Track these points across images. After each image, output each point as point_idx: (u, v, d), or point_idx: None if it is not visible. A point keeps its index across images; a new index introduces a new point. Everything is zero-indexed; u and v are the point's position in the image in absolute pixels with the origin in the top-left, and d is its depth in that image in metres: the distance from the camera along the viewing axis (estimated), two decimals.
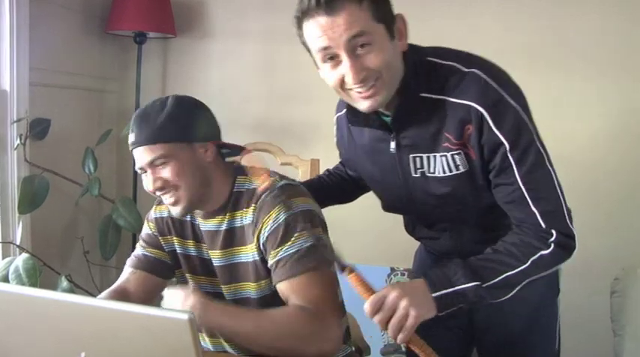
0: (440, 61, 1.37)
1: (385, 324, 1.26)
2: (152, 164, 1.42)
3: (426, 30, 2.70)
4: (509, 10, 2.68)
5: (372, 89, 1.30)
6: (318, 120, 2.86)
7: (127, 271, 1.59)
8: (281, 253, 1.40)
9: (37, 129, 2.60)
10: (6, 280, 2.28)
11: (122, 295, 1.52)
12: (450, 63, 1.36)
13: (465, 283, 1.28)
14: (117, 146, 3.13)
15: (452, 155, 1.37)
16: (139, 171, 1.47)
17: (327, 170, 1.86)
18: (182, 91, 3.01)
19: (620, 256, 2.39)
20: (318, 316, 1.33)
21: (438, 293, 1.28)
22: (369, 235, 2.73)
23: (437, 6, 2.75)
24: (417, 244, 1.79)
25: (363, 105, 1.33)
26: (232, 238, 1.48)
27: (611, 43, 2.56)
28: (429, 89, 1.36)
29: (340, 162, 1.82)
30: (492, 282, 1.30)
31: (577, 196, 2.50)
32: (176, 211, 1.47)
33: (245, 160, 1.58)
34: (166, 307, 1.33)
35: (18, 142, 2.52)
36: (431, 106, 1.35)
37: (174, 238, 1.58)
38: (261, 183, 1.47)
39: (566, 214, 1.34)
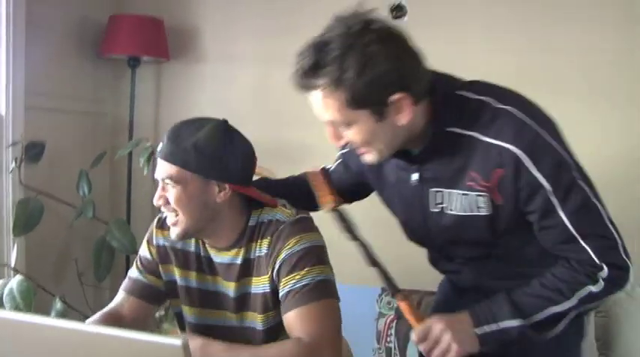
0: (471, 95, 1.33)
1: (429, 353, 1.31)
2: (163, 180, 1.42)
3: None
4: (496, 32, 2.72)
5: (362, 151, 1.33)
6: (311, 143, 2.90)
7: (121, 295, 1.58)
8: (290, 285, 1.40)
9: (32, 152, 2.64)
10: (0, 301, 2.30)
11: (115, 319, 1.52)
12: (482, 97, 1.32)
13: (508, 319, 1.29)
14: (111, 168, 3.16)
15: (476, 195, 1.32)
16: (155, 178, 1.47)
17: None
18: (175, 114, 3.09)
19: None
20: (314, 351, 1.34)
21: (481, 330, 1.30)
22: (359, 255, 2.75)
23: (423, 30, 2.79)
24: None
25: (363, 159, 1.36)
26: (248, 269, 1.48)
27: (600, 65, 2.59)
28: (458, 124, 1.31)
29: (329, 169, 1.74)
30: (537, 319, 1.30)
31: None
32: (173, 232, 1.46)
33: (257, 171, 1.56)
34: None
35: (13, 165, 2.56)
36: (458, 142, 1.31)
37: (175, 268, 1.55)
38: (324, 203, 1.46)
39: (619, 247, 1.30)
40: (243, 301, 1.50)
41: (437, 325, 1.30)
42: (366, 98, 1.23)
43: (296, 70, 1.26)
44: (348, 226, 1.35)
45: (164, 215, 1.52)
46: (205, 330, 1.54)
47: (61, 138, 2.86)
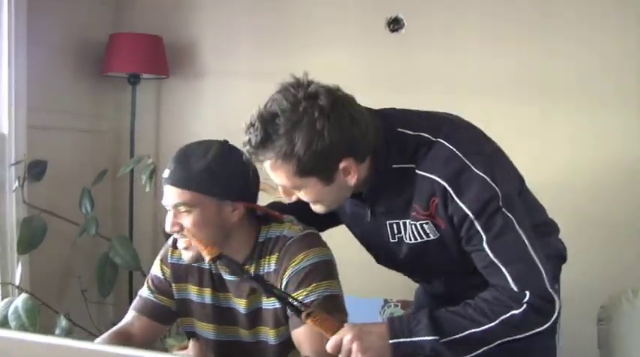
0: (410, 132, 1.40)
1: None
2: (176, 207, 1.43)
3: (409, 64, 2.82)
4: (493, 42, 2.73)
5: (312, 204, 1.42)
6: None
7: (132, 314, 1.59)
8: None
9: (35, 171, 2.66)
10: (5, 320, 2.31)
11: (125, 338, 1.54)
12: (419, 133, 1.39)
13: (423, 336, 1.29)
14: (112, 185, 3.17)
15: (420, 224, 1.39)
16: (164, 205, 1.47)
17: None
18: (176, 130, 3.13)
19: (608, 283, 2.43)
20: None
21: (394, 341, 1.30)
22: (362, 266, 2.76)
23: (421, 42, 2.82)
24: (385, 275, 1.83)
25: (313, 208, 1.43)
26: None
27: (603, 70, 2.60)
28: (400, 160, 1.39)
29: None
30: (453, 337, 1.29)
31: (567, 223, 2.58)
32: (187, 256, 1.48)
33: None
34: None
35: (16, 184, 2.57)
36: (402, 176, 1.38)
37: (191, 286, 1.57)
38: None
39: (544, 277, 1.32)
40: (255, 317, 1.52)
41: (347, 335, 1.30)
42: (313, 169, 1.31)
43: (247, 141, 1.32)
44: (234, 268, 1.36)
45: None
46: (221, 346, 1.56)
47: (63, 156, 2.87)
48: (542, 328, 1.31)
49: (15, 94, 2.59)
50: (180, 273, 1.58)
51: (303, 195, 1.37)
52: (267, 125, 1.28)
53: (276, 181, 1.36)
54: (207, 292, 1.55)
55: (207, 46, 3.14)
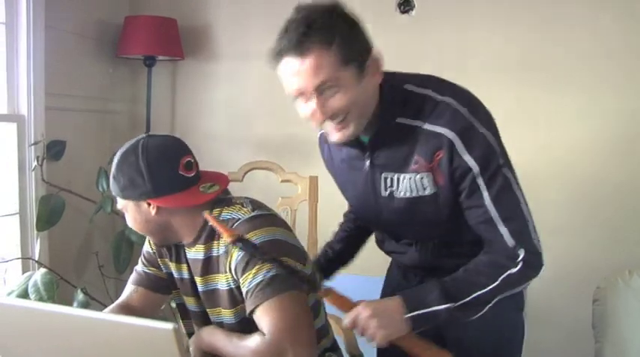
0: (416, 89, 1.47)
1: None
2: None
3: (424, 43, 2.84)
4: (506, 22, 2.75)
5: (340, 124, 1.42)
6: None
7: (130, 288, 1.68)
8: (247, 285, 1.42)
9: (53, 150, 2.75)
10: (25, 293, 2.41)
11: (127, 311, 1.62)
12: (425, 91, 1.46)
13: (439, 305, 1.39)
14: None
15: (420, 177, 1.46)
16: None
17: (345, 223, 1.93)
18: (190, 110, 3.20)
19: (604, 264, 2.44)
20: (273, 347, 1.36)
21: (412, 314, 1.38)
22: (373, 246, 2.80)
23: (435, 20, 2.84)
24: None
25: (334, 137, 1.45)
26: (210, 266, 1.52)
27: (606, 53, 2.62)
28: (404, 115, 1.46)
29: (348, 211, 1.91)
30: (464, 301, 1.39)
31: (567, 203, 2.60)
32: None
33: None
34: None
35: (35, 163, 2.67)
36: (406, 131, 1.45)
37: (171, 262, 1.64)
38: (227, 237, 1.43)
39: (532, 234, 1.43)
40: (211, 296, 1.55)
41: (363, 313, 1.37)
42: (355, 51, 1.37)
43: (287, 40, 1.36)
44: (253, 252, 1.39)
45: None
46: (205, 317, 1.62)
47: (80, 136, 2.97)
48: (533, 279, 1.44)
49: (33, 77, 2.67)
50: (162, 250, 1.65)
51: (338, 99, 1.38)
52: (306, 20, 1.35)
53: (314, 82, 1.36)
54: (185, 268, 1.60)
55: (221, 28, 3.20)
